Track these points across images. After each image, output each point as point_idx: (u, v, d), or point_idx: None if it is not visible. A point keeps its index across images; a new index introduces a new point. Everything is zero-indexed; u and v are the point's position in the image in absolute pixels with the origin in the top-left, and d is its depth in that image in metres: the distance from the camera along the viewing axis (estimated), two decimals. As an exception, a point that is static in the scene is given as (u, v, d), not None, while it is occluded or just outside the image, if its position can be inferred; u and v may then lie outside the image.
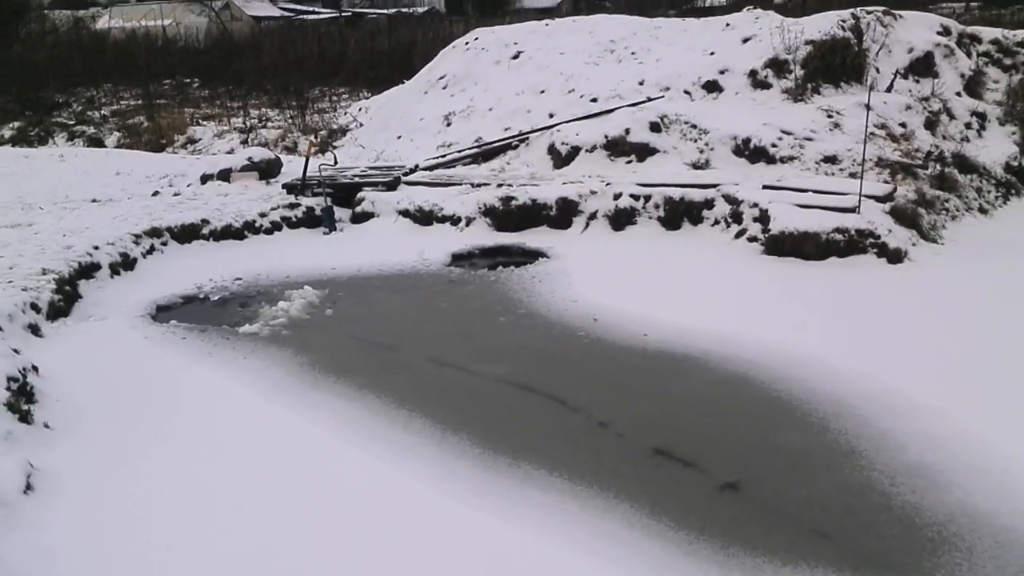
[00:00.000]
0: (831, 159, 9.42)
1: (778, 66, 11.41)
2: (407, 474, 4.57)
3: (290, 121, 16.96)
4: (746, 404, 5.32)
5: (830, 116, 10.08)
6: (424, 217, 9.96)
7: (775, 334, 6.25)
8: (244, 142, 15.65)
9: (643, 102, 11.11)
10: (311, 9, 41.57)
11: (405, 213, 10.08)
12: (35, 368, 5.72)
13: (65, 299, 7.33)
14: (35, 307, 6.91)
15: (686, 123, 10.31)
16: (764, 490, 4.37)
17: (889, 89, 11.17)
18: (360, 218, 10.27)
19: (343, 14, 38.19)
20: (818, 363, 5.74)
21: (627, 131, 10.34)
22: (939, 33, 12.70)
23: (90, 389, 5.72)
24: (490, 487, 4.45)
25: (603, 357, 6.22)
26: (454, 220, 9.82)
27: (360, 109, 15.65)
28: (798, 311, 6.81)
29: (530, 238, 9.38)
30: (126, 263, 8.45)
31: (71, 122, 18.79)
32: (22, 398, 5.10)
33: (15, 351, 5.81)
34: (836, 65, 11.14)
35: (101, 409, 5.42)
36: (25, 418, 4.85)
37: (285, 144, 15.06)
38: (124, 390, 5.74)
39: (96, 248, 8.31)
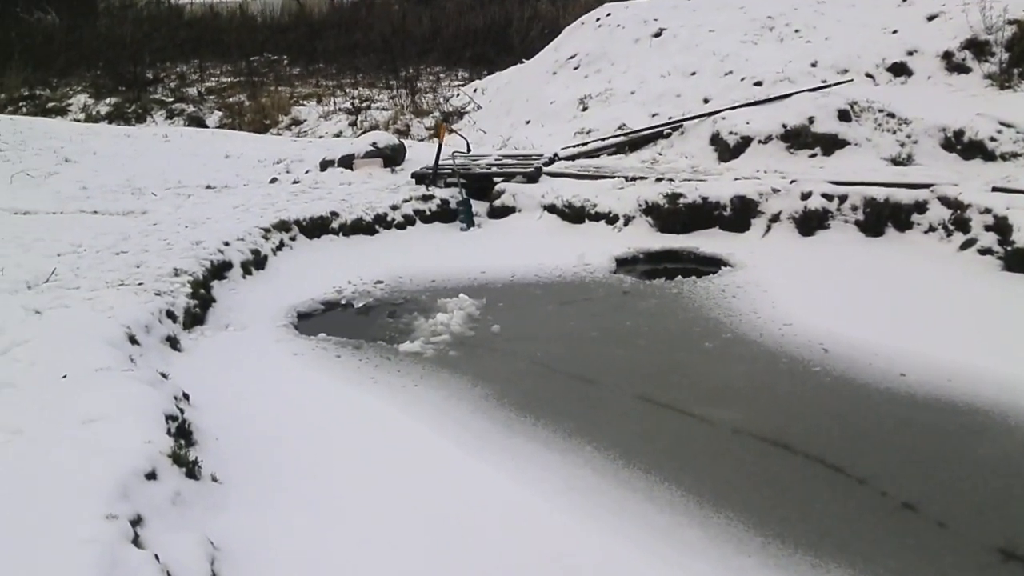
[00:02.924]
0: (1066, 158, 8.02)
1: (978, 47, 9.93)
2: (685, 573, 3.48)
3: (395, 101, 15.99)
4: (1098, 486, 4.10)
5: (1056, 107, 8.64)
6: (574, 214, 8.86)
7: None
8: (353, 124, 14.73)
9: (823, 86, 9.74)
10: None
11: (551, 208, 8.99)
12: (186, 396, 4.80)
13: (200, 304, 6.43)
14: (171, 315, 6.00)
15: (880, 111, 8.94)
16: None
17: (1108, 77, 9.66)
18: (499, 213, 9.21)
19: (413, -9, 37.01)
20: None
21: (810, 120, 9.00)
22: None
23: (248, 424, 4.77)
24: (805, 603, 3.34)
25: (859, 404, 5.03)
26: (610, 218, 8.69)
27: (476, 90, 14.57)
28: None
29: (702, 242, 8.20)
30: (258, 261, 7.53)
31: (169, 99, 18.14)
32: (181, 440, 4.15)
33: (163, 375, 4.89)
34: (1046, 49, 9.66)
35: (266, 452, 4.45)
36: (192, 472, 3.89)
37: (397, 127, 14.07)
38: (287, 425, 4.78)
39: (227, 244, 7.40)
